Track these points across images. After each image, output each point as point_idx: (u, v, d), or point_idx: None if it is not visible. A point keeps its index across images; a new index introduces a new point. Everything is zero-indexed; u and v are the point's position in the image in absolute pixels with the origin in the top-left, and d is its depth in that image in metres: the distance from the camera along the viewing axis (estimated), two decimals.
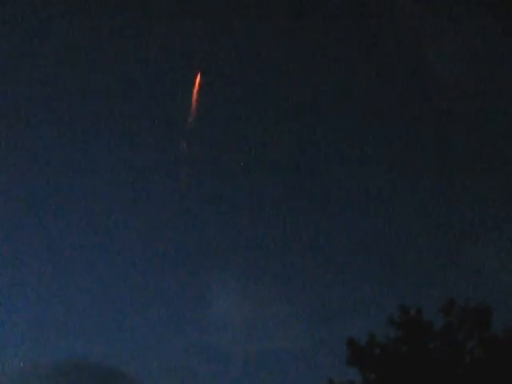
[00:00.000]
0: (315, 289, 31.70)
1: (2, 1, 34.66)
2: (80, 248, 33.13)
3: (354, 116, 34.18)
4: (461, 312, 20.04)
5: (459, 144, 32.43)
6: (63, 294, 33.25)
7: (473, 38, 32.36)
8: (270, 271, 33.00)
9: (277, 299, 32.19)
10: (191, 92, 31.70)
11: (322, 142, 34.74)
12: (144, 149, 34.50)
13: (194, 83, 31.59)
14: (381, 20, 33.94)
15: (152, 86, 34.83)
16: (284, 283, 32.81)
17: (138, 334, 33.20)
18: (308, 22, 33.95)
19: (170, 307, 33.64)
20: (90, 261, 33.96)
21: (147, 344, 32.69)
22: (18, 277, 33.43)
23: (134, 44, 34.33)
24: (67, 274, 32.39)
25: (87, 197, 34.15)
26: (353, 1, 34.22)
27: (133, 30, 34.00)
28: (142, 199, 34.66)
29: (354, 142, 34.02)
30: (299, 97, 34.58)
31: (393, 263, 30.36)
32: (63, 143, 35.32)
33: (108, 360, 31.95)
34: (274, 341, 32.10)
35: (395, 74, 34.08)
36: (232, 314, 32.65)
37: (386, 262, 30.88)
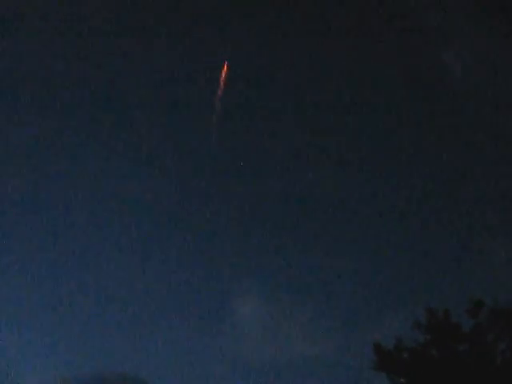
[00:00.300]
0: (339, 294, 31.38)
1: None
2: (104, 259, 33.06)
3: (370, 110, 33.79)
4: (490, 313, 19.63)
5: (473, 141, 31.96)
6: (85, 306, 33.09)
7: (486, 35, 31.95)
8: (293, 277, 32.76)
9: (300, 305, 31.93)
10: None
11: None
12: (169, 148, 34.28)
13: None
14: (394, 19, 33.61)
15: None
16: (307, 289, 32.54)
17: (160, 342, 33.03)
18: (326, 22, 33.76)
19: (193, 315, 33.48)
20: (113, 271, 33.87)
21: (170, 352, 32.52)
22: (39, 290, 33.39)
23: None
24: (90, 286, 32.27)
25: (111, 205, 33.99)
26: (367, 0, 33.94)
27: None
28: (166, 206, 34.51)
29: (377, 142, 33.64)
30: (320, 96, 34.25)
31: (418, 266, 29.96)
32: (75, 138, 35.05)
33: (130, 368, 31.80)
34: (298, 347, 31.79)
35: (407, 73, 33.72)
36: (256, 320, 32.43)
37: (411, 264, 30.48)
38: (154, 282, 33.96)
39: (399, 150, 33.11)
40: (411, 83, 33.79)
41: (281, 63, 33.96)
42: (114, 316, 33.20)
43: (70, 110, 34.73)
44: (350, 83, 34.06)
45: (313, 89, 34.15)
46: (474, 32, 31.79)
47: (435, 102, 33.40)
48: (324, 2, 34.39)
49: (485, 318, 19.71)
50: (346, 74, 33.98)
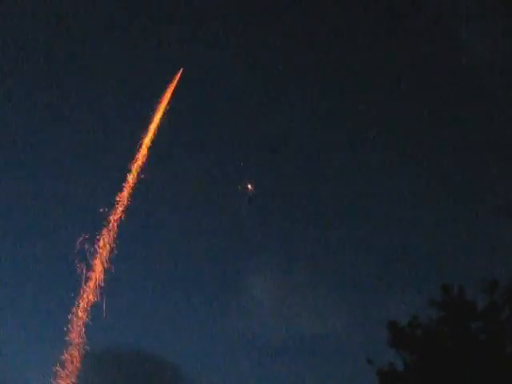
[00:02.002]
0: (352, 271, 31.48)
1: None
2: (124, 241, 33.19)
3: (393, 96, 33.66)
4: (504, 291, 19.62)
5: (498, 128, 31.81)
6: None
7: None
8: (305, 255, 32.84)
9: (314, 283, 32.03)
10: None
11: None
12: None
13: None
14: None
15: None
16: (321, 267, 32.63)
17: (174, 319, 33.31)
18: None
19: (206, 292, 33.72)
20: (127, 252, 34.03)
21: (184, 329, 32.80)
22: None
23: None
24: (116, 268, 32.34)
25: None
26: None
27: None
28: (181, 193, 34.64)
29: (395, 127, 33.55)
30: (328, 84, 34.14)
31: (432, 243, 29.98)
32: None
33: (145, 345, 32.13)
34: (311, 325, 31.96)
35: (432, 55, 33.51)
36: (269, 299, 32.58)
37: (425, 242, 30.51)
38: (168, 260, 34.20)
39: (424, 135, 33.03)
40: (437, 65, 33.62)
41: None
42: (128, 294, 33.51)
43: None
44: (369, 66, 33.96)
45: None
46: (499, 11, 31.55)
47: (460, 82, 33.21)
48: None
49: (499, 296, 19.73)
50: (364, 56, 33.87)
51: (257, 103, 34.52)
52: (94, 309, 30.52)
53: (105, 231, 31.33)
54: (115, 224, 31.44)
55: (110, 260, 31.14)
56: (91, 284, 30.77)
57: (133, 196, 31.39)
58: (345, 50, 33.60)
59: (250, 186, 31.92)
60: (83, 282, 30.76)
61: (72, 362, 30.33)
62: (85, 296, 30.68)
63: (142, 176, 31.77)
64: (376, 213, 32.95)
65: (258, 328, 32.75)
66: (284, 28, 33.89)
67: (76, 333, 30.35)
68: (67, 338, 30.52)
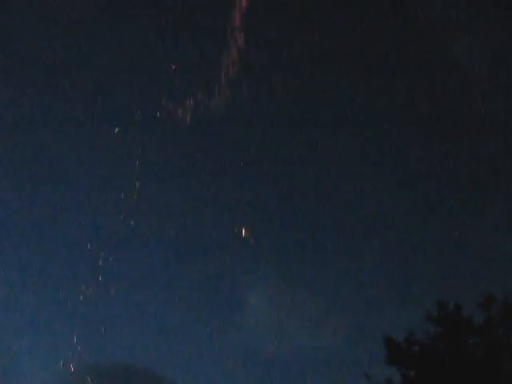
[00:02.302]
0: (350, 285, 31.42)
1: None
2: (104, 250, 32.94)
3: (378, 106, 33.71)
4: (501, 307, 19.62)
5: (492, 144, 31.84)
6: (91, 297, 33.01)
7: (500, 30, 31.74)
8: (305, 270, 32.79)
9: (312, 298, 31.99)
10: None
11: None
12: None
13: None
14: (404, 14, 33.47)
15: None
16: (319, 282, 32.59)
17: (169, 334, 33.14)
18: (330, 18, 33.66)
19: (203, 307, 33.59)
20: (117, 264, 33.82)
21: (178, 344, 32.64)
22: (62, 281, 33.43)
23: None
24: (96, 277, 32.19)
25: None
26: None
27: None
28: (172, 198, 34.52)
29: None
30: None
31: (429, 259, 29.96)
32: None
33: (137, 360, 32.00)
34: (307, 339, 31.90)
35: (420, 69, 33.57)
36: (265, 312, 32.53)
37: (422, 258, 30.49)
38: (164, 274, 34.11)
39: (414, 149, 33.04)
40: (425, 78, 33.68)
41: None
42: (121, 307, 33.36)
43: None
44: (360, 75, 34.01)
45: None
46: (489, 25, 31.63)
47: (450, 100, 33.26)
48: None
49: (496, 311, 19.73)
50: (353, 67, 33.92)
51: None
52: (87, 323, 30.44)
53: None
54: None
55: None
56: None
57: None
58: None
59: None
60: None
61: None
62: None
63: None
64: (373, 228, 32.93)
65: (256, 342, 32.67)
66: None
67: None
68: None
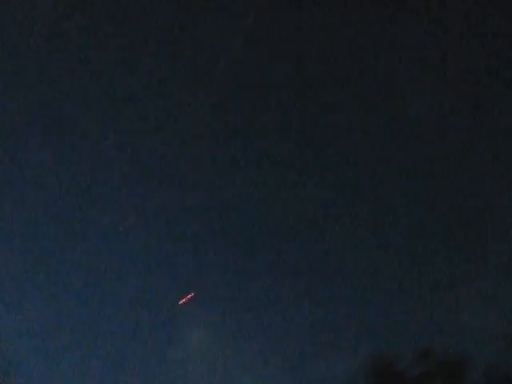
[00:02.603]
0: (288, 333, 30.92)
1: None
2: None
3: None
4: (438, 362, 19.43)
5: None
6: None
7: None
8: (244, 310, 32.21)
9: (249, 340, 31.42)
10: None
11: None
12: None
13: None
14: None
15: None
16: (257, 324, 32.04)
17: (98, 365, 32.16)
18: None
19: (136, 340, 32.75)
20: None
21: (107, 375, 31.68)
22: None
23: None
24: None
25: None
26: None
27: None
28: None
29: None
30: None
31: (365, 310, 29.67)
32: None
33: None
34: (244, 379, 31.35)
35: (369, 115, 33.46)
36: (204, 351, 31.92)
37: (359, 308, 30.16)
38: (97, 303, 33.14)
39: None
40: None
41: None
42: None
43: None
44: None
45: None
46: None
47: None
48: None
49: (434, 366, 19.56)
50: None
51: None
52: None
53: None
54: None
55: None
56: None
57: None
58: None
59: None
60: None
61: None
62: None
63: None
64: (312, 282, 32.54)
65: (189, 381, 31.82)
66: None
67: None
68: None
